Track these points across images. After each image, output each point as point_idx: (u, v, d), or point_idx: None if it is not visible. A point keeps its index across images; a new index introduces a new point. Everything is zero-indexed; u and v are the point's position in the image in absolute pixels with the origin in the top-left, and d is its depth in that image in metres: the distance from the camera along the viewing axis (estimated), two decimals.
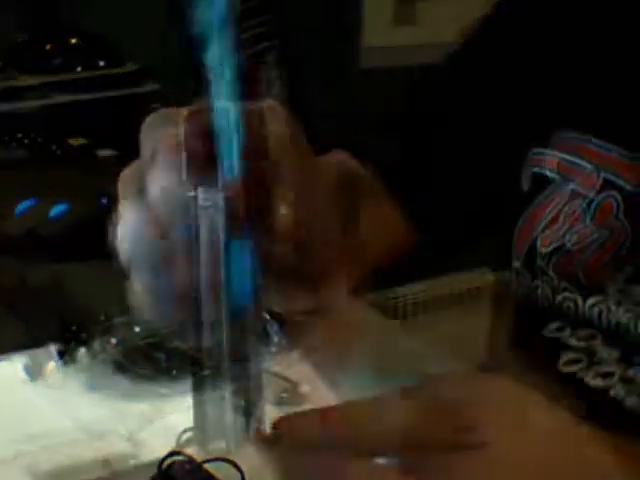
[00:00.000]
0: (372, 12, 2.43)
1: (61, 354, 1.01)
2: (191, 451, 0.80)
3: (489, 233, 0.81)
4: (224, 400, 0.43)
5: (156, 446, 0.89)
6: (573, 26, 0.74)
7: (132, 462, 0.90)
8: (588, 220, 0.71)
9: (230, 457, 0.77)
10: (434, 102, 0.80)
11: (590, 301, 0.70)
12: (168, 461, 0.78)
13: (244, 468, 0.78)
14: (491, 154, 0.77)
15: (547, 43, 0.75)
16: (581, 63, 0.74)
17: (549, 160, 0.73)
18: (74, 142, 1.68)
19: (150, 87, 1.82)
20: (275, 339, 0.99)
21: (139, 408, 0.96)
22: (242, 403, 0.43)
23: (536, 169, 0.74)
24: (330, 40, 2.39)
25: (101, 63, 1.71)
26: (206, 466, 0.79)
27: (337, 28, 2.41)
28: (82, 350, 1.02)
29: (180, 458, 0.79)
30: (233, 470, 0.78)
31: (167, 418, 0.95)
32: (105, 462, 0.89)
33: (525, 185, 0.75)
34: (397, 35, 2.46)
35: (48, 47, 1.69)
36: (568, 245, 0.71)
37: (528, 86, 0.76)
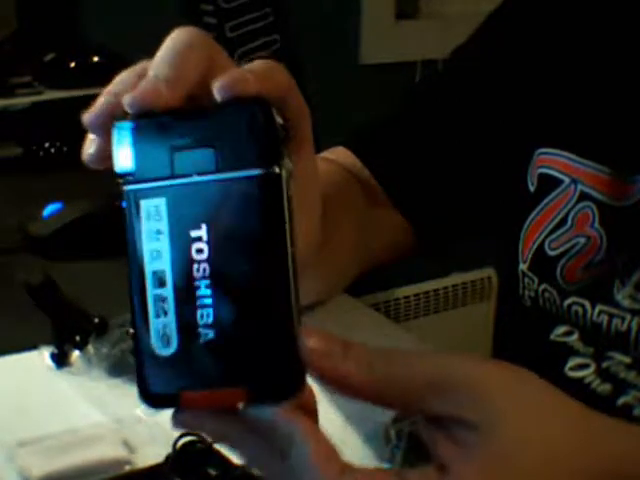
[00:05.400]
0: (373, 6, 2.41)
1: (83, 344, 1.05)
2: None
3: (493, 234, 0.80)
4: None
5: (151, 453, 0.88)
6: (557, 51, 0.73)
7: (127, 467, 0.89)
8: (597, 223, 0.69)
9: None
10: (435, 100, 0.79)
11: (599, 307, 0.69)
12: (181, 441, 0.83)
13: None
14: (493, 153, 0.76)
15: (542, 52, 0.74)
16: (565, 81, 0.72)
17: (557, 160, 0.72)
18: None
19: None
20: None
21: None
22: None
23: (543, 170, 0.73)
24: (330, 35, 2.37)
25: None
26: (215, 446, 0.82)
27: (337, 23, 2.39)
28: (102, 340, 1.04)
29: (192, 438, 0.84)
30: None
31: None
32: (100, 466, 0.88)
33: (531, 186, 0.74)
34: (399, 30, 2.44)
35: (72, 65, 1.87)
36: (576, 248, 0.70)
37: (520, 92, 0.74)
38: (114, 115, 0.47)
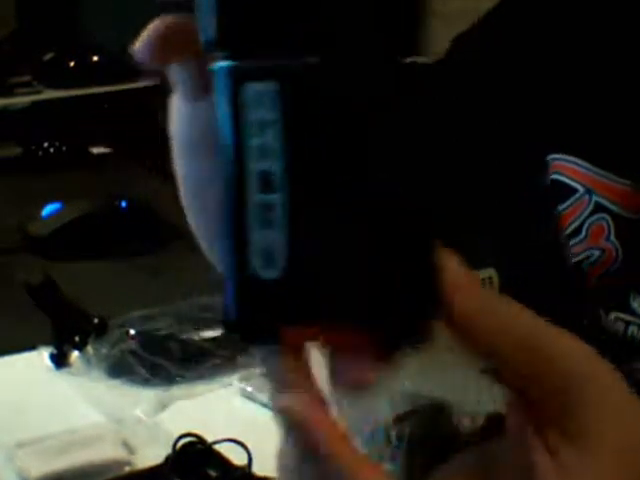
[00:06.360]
0: None
1: (82, 345, 1.04)
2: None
3: (500, 236, 0.79)
4: None
5: (151, 454, 0.88)
6: (566, 51, 0.72)
7: (127, 468, 0.89)
8: (613, 236, 0.68)
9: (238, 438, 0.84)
10: (439, 99, 0.78)
11: (613, 314, 0.68)
12: (181, 442, 0.84)
13: (251, 449, 0.82)
14: (503, 155, 0.75)
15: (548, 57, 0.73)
16: (577, 85, 0.71)
17: (569, 167, 0.71)
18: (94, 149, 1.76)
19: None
20: None
21: (154, 393, 0.99)
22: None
23: (555, 176, 0.72)
24: None
25: (120, 78, 1.86)
26: (215, 447, 0.85)
27: None
28: (102, 341, 1.04)
29: (192, 439, 0.85)
30: (240, 449, 0.83)
31: (180, 403, 0.98)
32: (100, 467, 0.88)
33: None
34: None
35: (72, 64, 1.86)
36: (590, 260, 0.69)
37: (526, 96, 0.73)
38: None
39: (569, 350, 0.38)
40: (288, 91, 0.32)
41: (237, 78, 0.32)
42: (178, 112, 0.46)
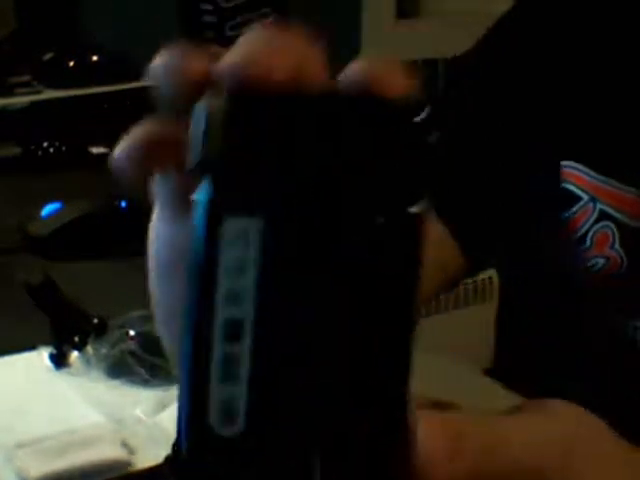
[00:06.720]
0: (374, 5, 2.40)
1: (82, 345, 1.04)
2: None
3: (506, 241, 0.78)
4: None
5: (151, 454, 0.87)
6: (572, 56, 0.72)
7: (127, 469, 0.88)
8: (617, 244, 0.68)
9: None
10: (453, 112, 0.78)
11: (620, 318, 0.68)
12: None
13: None
14: (504, 160, 0.75)
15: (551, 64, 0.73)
16: (580, 95, 0.71)
17: (574, 174, 0.71)
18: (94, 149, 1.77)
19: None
20: None
21: (154, 393, 0.99)
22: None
23: (565, 184, 0.72)
24: (330, 35, 2.37)
25: (120, 78, 1.86)
26: None
27: (337, 22, 2.39)
28: (101, 341, 1.04)
29: None
30: None
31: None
32: (99, 467, 0.88)
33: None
34: (399, 29, 2.44)
35: (72, 64, 1.86)
36: (595, 268, 0.69)
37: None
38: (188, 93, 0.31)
39: (530, 444, 0.34)
40: (270, 230, 0.28)
41: (215, 210, 0.28)
42: (156, 231, 0.41)
